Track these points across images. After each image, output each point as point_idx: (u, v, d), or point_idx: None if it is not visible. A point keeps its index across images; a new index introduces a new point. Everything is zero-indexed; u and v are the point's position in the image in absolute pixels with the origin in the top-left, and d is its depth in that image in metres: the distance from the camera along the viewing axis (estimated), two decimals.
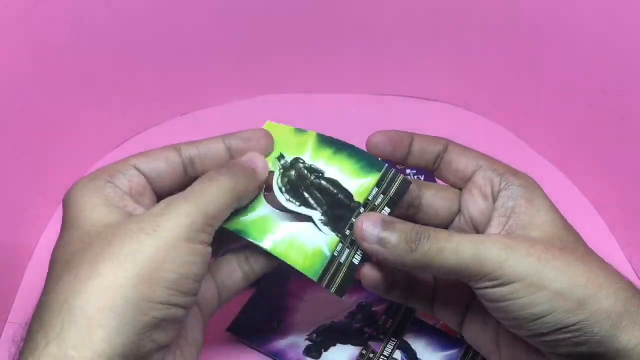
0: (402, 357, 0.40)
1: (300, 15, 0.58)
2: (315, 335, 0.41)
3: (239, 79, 0.61)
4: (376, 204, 0.34)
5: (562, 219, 0.33)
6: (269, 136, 0.35)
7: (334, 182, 0.35)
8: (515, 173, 0.34)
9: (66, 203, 0.30)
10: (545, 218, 0.32)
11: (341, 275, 0.32)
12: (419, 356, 0.40)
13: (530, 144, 0.59)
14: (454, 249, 0.30)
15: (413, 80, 0.62)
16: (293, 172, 0.35)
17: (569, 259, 0.30)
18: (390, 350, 0.40)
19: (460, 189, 0.37)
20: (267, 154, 0.35)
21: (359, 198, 0.34)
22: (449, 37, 0.58)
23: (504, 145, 0.60)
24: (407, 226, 0.32)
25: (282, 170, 0.35)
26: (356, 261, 0.33)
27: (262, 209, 0.33)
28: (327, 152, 0.35)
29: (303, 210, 0.33)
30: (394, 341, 0.41)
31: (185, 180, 0.33)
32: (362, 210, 0.33)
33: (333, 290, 0.32)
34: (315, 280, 0.32)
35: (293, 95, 0.63)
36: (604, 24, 0.47)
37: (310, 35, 0.59)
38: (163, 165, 0.33)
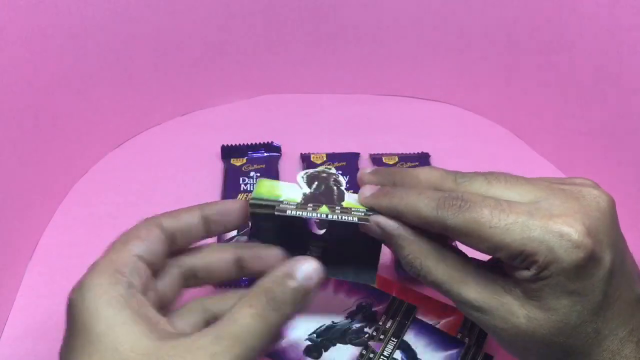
0: (402, 357, 0.40)
1: (300, 15, 0.58)
2: (315, 335, 0.41)
3: (239, 79, 0.61)
4: (352, 212, 0.35)
5: (581, 303, 0.30)
6: (243, 209, 0.35)
7: (341, 193, 0.37)
8: (558, 257, 0.29)
9: (80, 311, 0.27)
10: (558, 305, 0.30)
11: (263, 209, 0.34)
12: (419, 356, 0.40)
13: (530, 144, 0.59)
14: None
15: (413, 80, 0.62)
16: (324, 175, 0.38)
17: None
18: (390, 350, 0.40)
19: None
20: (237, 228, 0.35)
21: (345, 204, 0.36)
22: (449, 38, 0.58)
23: (504, 145, 0.60)
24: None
25: (322, 169, 0.38)
26: (288, 211, 0.34)
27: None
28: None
29: (304, 187, 0.36)
30: (394, 341, 0.41)
31: (167, 253, 0.33)
32: (337, 209, 0.35)
33: (251, 204, 0.34)
34: (248, 200, 0.34)
35: (293, 95, 0.63)
36: (604, 24, 0.47)
37: (310, 36, 0.59)
38: (157, 247, 0.32)
